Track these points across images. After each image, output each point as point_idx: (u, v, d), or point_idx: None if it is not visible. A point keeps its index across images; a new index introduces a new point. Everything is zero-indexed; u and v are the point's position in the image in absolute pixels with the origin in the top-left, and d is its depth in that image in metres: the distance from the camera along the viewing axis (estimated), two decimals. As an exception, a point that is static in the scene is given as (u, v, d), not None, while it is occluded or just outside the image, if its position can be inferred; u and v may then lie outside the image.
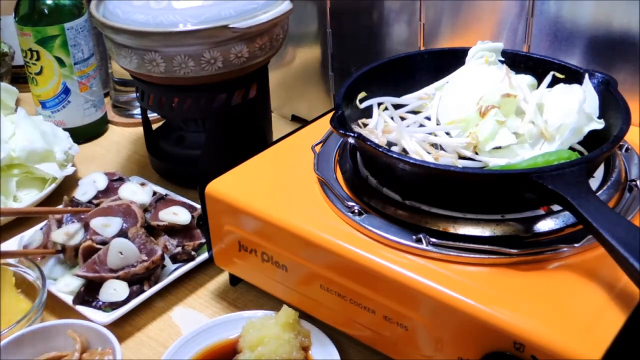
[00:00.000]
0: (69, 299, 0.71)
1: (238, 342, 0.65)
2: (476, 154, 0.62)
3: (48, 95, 1.04)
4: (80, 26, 1.01)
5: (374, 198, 0.61)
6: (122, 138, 1.10)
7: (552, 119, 0.62)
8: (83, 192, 0.84)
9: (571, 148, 0.61)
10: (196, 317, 0.72)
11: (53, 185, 0.90)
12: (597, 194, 0.58)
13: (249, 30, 0.79)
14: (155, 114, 1.03)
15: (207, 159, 0.90)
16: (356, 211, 0.60)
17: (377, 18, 0.93)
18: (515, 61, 0.71)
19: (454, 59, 0.72)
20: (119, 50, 0.83)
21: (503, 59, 0.71)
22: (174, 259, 0.76)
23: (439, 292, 0.53)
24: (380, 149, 0.58)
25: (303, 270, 0.62)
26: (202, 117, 0.88)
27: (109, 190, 0.85)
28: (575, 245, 0.55)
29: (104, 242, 0.74)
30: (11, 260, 0.73)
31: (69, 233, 0.75)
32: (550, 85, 0.67)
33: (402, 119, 0.68)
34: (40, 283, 0.70)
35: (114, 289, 0.71)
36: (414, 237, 0.56)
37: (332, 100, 1.04)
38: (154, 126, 1.00)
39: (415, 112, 0.70)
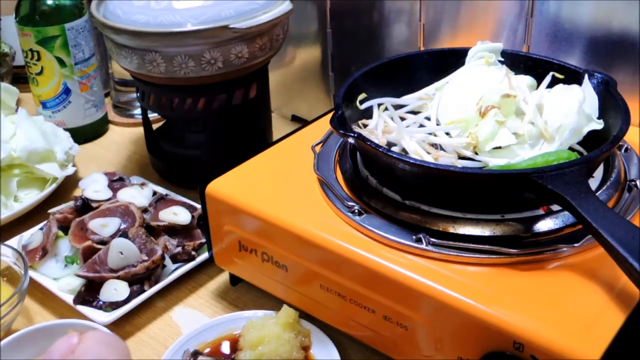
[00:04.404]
0: (69, 299, 0.71)
1: (238, 341, 0.66)
2: (476, 154, 0.62)
3: (49, 96, 1.04)
4: (80, 26, 1.01)
5: (374, 198, 0.61)
6: (123, 138, 1.10)
7: (552, 120, 0.62)
8: (95, 190, 0.83)
9: (571, 148, 0.61)
10: (196, 316, 0.72)
11: (54, 186, 0.90)
12: (597, 194, 0.58)
13: (249, 31, 0.79)
14: (156, 114, 1.03)
15: (207, 159, 0.90)
16: (356, 211, 0.60)
17: (377, 18, 0.94)
18: (515, 61, 0.71)
19: (453, 59, 0.72)
20: (120, 50, 0.83)
21: (503, 59, 0.71)
22: (174, 259, 0.76)
23: (439, 292, 0.53)
24: (380, 149, 0.58)
25: (303, 270, 0.62)
26: (202, 117, 0.88)
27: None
28: (575, 245, 0.55)
29: (104, 242, 0.74)
30: None
31: None
32: (550, 85, 0.67)
33: (402, 119, 0.68)
34: (22, 270, 0.70)
35: (115, 289, 0.71)
36: (414, 237, 0.57)
37: (332, 100, 1.04)
38: (155, 126, 1.00)
39: (415, 113, 0.70)
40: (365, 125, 0.68)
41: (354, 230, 0.59)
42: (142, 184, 0.86)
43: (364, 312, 0.59)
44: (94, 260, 0.73)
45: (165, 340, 0.69)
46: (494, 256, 0.55)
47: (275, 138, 0.82)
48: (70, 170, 0.92)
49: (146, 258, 0.72)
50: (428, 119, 0.68)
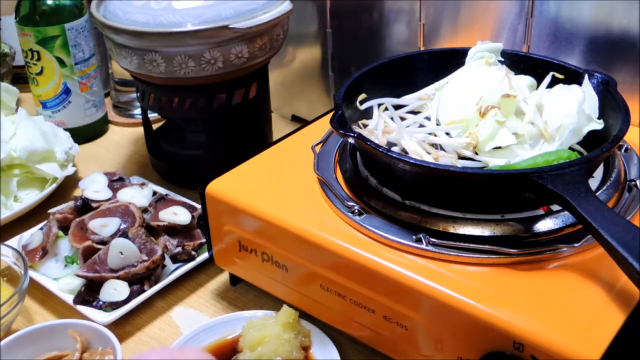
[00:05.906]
0: (69, 299, 0.71)
1: (238, 341, 0.66)
2: (476, 154, 0.62)
3: (49, 96, 1.04)
4: (80, 26, 1.01)
5: (374, 198, 0.61)
6: (123, 138, 1.10)
7: (552, 120, 0.62)
8: (95, 190, 0.83)
9: (571, 148, 0.61)
10: (196, 316, 0.72)
11: (54, 185, 0.90)
12: (597, 193, 0.58)
13: (249, 31, 0.79)
14: (156, 114, 1.03)
15: (207, 159, 0.90)
16: (356, 211, 0.60)
17: (377, 18, 0.94)
18: (515, 61, 0.71)
19: (454, 59, 0.72)
20: (120, 50, 0.83)
21: (503, 59, 0.71)
22: (174, 258, 0.76)
23: (438, 292, 0.53)
24: (380, 149, 0.58)
25: (303, 270, 0.62)
26: (202, 117, 0.88)
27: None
28: (575, 245, 0.55)
29: (104, 242, 0.74)
30: None
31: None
32: (550, 85, 0.67)
33: (402, 119, 0.68)
34: (22, 270, 0.70)
35: (115, 289, 0.71)
36: (414, 237, 0.57)
37: (332, 100, 1.04)
38: (155, 126, 1.00)
39: (415, 113, 0.70)
40: (365, 125, 0.68)
41: (354, 230, 0.59)
42: (142, 184, 0.86)
43: (364, 312, 0.59)
44: (94, 260, 0.73)
45: (165, 340, 0.70)
46: (494, 256, 0.55)
47: (275, 138, 0.82)
48: (70, 170, 0.93)
49: (146, 258, 0.72)
50: (428, 119, 0.68)
